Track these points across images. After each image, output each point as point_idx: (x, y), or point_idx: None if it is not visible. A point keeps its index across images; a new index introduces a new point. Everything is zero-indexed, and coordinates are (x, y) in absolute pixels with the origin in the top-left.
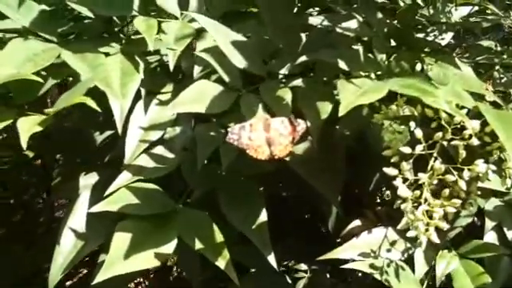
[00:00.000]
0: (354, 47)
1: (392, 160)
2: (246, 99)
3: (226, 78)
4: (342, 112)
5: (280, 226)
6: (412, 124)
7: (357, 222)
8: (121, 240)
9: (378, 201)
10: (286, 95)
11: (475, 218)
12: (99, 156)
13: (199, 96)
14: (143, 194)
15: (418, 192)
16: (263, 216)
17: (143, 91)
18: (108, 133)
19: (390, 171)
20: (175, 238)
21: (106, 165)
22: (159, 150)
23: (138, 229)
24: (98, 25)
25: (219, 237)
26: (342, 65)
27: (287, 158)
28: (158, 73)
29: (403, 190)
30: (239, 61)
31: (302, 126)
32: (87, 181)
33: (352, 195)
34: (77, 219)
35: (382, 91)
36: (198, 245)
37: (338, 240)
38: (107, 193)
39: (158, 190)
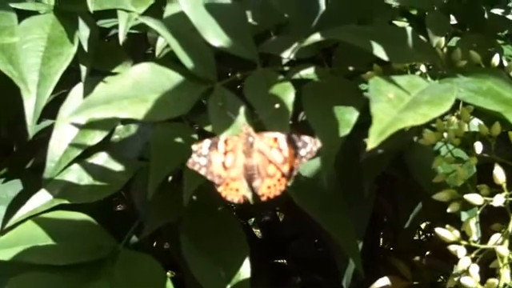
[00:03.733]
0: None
1: (449, 209)
2: (217, 97)
3: (188, 62)
4: (372, 144)
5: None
6: (478, 146)
7: (384, 281)
8: None
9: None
10: (286, 93)
11: None
12: (29, 156)
13: (135, 91)
14: (62, 231)
15: (494, 281)
16: (245, 269)
17: (84, 70)
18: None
19: (445, 233)
20: None
21: (35, 169)
22: (101, 158)
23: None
24: None
25: None
26: (379, 51)
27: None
28: (112, 45)
29: (469, 278)
30: (215, 35)
31: (310, 147)
32: (4, 192)
33: (377, 236)
34: None
35: (446, 102)
36: None
37: None
38: (8, 225)
39: (90, 222)
